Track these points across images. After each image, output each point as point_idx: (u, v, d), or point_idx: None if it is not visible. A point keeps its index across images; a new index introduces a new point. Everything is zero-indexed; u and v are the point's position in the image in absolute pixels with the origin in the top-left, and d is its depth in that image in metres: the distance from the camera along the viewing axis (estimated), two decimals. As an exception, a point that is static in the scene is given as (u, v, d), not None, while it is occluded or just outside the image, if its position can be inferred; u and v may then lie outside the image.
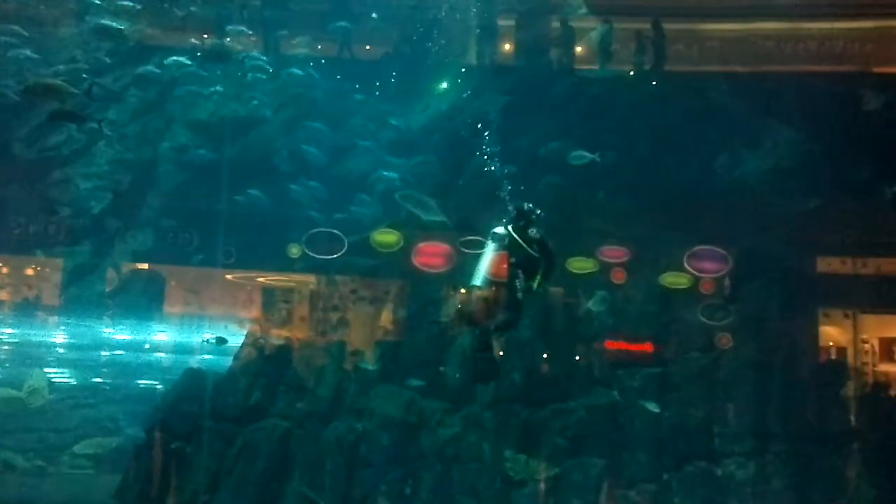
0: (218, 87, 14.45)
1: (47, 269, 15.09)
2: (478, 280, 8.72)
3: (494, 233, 8.86)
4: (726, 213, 12.83)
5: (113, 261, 14.76)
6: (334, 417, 12.20)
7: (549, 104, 14.09)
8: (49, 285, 14.85)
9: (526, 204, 9.11)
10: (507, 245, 8.74)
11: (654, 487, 11.63)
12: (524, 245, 8.65)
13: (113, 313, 14.33)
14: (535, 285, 8.61)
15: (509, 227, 8.86)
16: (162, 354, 14.63)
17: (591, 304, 12.52)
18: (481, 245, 12.86)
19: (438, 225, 13.01)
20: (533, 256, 8.77)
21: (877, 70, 13.93)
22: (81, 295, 14.40)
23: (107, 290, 14.59)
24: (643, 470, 11.76)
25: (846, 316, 13.30)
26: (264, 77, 14.39)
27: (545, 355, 12.58)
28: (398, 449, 11.81)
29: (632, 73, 14.71)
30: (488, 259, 8.78)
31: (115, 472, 11.87)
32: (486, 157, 13.81)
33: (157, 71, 14.33)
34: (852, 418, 12.05)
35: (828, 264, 13.02)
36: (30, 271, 15.21)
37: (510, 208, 9.42)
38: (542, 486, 11.50)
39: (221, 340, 12.64)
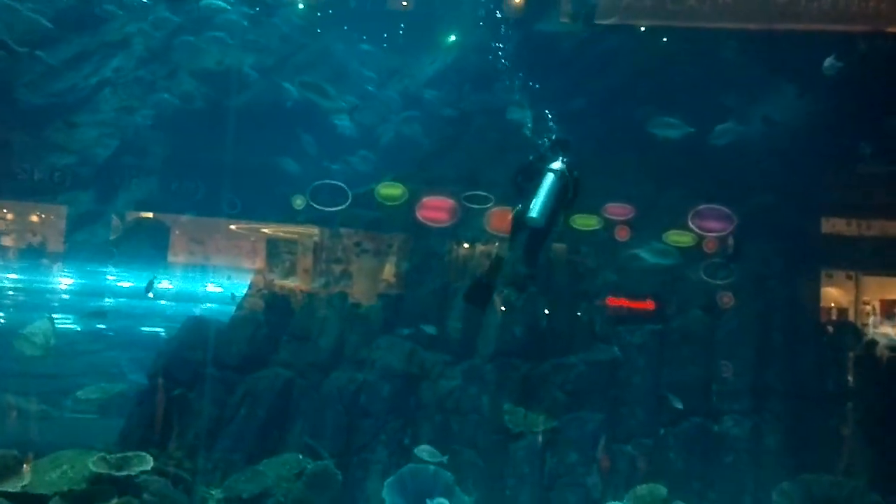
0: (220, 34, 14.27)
1: (52, 216, 15.12)
2: (535, 213, 8.72)
3: (552, 168, 8.88)
4: (732, 172, 12.76)
5: (117, 209, 14.79)
6: (336, 367, 12.33)
7: (557, 60, 13.93)
8: (53, 232, 14.89)
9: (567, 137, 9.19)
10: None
11: (650, 442, 11.73)
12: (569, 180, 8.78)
13: (118, 261, 14.40)
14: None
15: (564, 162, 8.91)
16: (165, 302, 14.74)
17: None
18: (485, 200, 13.06)
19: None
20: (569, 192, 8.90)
21: (891, 30, 13.69)
22: (85, 242, 14.45)
23: (111, 237, 14.64)
24: (640, 425, 11.86)
25: (848, 277, 13.30)
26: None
27: (547, 311, 12.62)
28: (398, 399, 11.94)
29: (643, 28, 14.50)
30: (549, 193, 8.79)
31: (118, 417, 11.99)
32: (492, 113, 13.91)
33: (165, 17, 14.22)
34: (850, 378, 12.10)
35: (832, 225, 12.98)
36: (34, 218, 15.24)
37: (549, 141, 9.42)
38: (540, 438, 11.61)
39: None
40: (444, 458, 11.24)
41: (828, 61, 11.49)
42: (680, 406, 11.65)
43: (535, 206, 8.76)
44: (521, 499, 11.42)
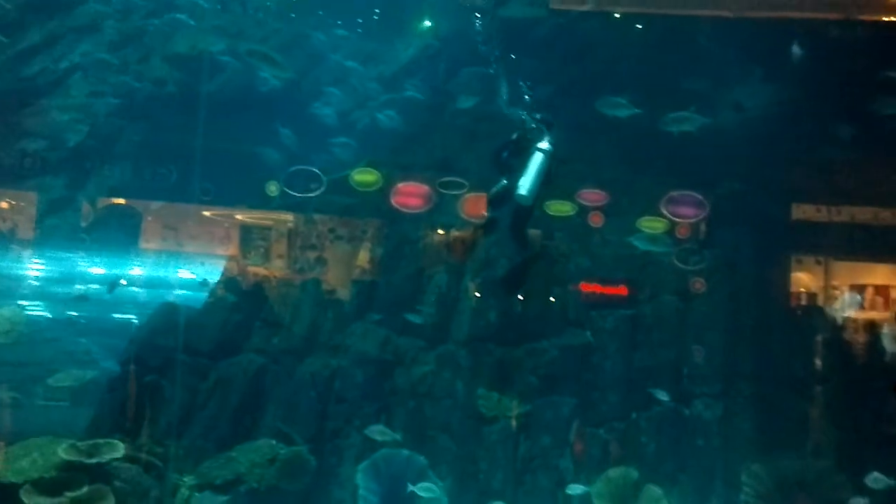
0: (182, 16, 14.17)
1: (22, 203, 14.94)
2: (525, 190, 8.78)
3: (541, 148, 8.93)
4: (704, 158, 12.82)
5: (88, 195, 14.64)
6: (309, 354, 12.33)
7: (532, 46, 13.92)
8: (24, 218, 14.72)
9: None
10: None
11: (622, 426, 11.84)
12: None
13: (89, 247, 14.28)
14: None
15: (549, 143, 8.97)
16: (137, 289, 14.64)
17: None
18: (459, 186, 13.06)
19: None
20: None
21: (865, 18, 13.80)
22: (56, 228, 14.31)
23: (82, 224, 14.49)
24: (613, 409, 11.97)
25: (818, 262, 13.43)
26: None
27: (520, 296, 12.66)
28: (372, 385, 11.96)
29: (617, 15, 14.53)
30: (538, 172, 8.85)
31: (89, 404, 11.91)
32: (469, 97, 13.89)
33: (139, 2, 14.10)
34: (819, 362, 12.26)
35: (802, 211, 13.09)
36: (4, 204, 15.05)
37: (535, 119, 9.45)
38: (514, 423, 11.68)
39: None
40: (398, 436, 11.27)
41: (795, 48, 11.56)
42: (665, 398, 11.70)
43: (525, 184, 8.86)
44: (494, 482, 11.49)
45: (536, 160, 9.03)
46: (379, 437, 11.24)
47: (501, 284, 11.55)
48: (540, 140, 9.26)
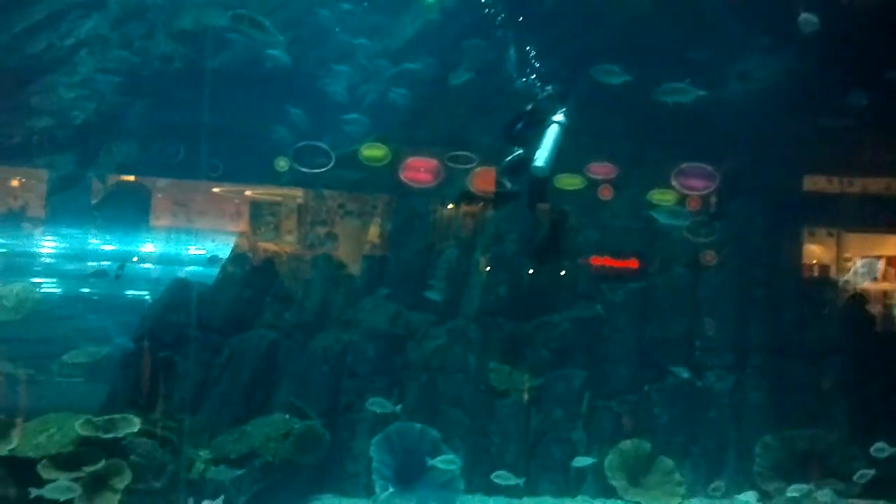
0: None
1: (32, 181, 14.95)
2: (543, 162, 8.80)
3: (556, 121, 8.94)
4: (715, 130, 12.75)
5: (98, 172, 14.64)
6: (321, 329, 12.36)
7: (538, 18, 13.80)
8: (34, 196, 14.73)
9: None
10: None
11: (634, 398, 11.89)
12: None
13: (99, 224, 14.30)
14: None
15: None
16: (149, 265, 14.68)
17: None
18: (469, 160, 13.02)
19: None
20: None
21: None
22: (67, 206, 14.32)
23: (92, 201, 14.50)
24: (624, 382, 12.02)
25: (830, 234, 13.41)
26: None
27: (530, 270, 12.66)
28: (384, 359, 12.00)
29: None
30: (555, 144, 8.88)
31: (104, 380, 11.98)
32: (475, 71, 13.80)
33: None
34: (831, 334, 12.26)
35: (814, 183, 13.04)
36: (14, 182, 15.06)
37: (546, 90, 9.43)
38: (526, 396, 11.72)
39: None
40: (398, 409, 11.31)
41: (803, 17, 11.36)
42: (686, 375, 11.69)
43: (543, 156, 8.87)
44: (506, 455, 11.57)
45: (552, 132, 9.04)
46: (378, 409, 11.27)
47: (536, 255, 11.58)
48: (554, 112, 9.25)
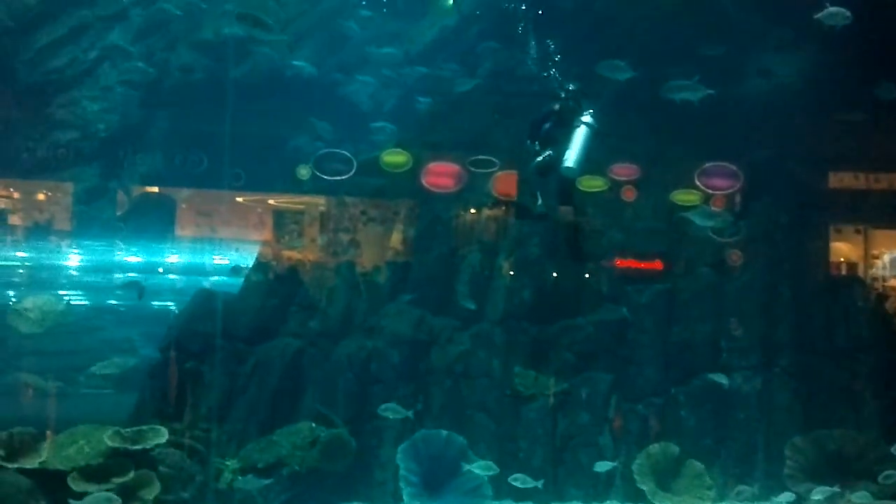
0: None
1: (58, 194, 15.11)
2: (573, 162, 8.86)
3: (586, 121, 8.98)
4: (738, 128, 12.65)
5: (122, 184, 14.77)
6: (345, 336, 12.37)
7: (555, 19, 13.75)
8: (60, 209, 14.89)
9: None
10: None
11: (661, 401, 11.80)
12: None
13: (125, 236, 14.43)
14: None
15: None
16: (174, 276, 14.79)
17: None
18: (490, 164, 13.00)
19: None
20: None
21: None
22: (92, 218, 14.46)
23: (118, 213, 14.64)
24: (651, 384, 11.92)
25: (857, 231, 13.24)
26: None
27: (554, 273, 12.62)
28: (408, 366, 11.98)
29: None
30: (585, 144, 8.93)
31: (131, 391, 12.08)
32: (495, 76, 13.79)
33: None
34: (860, 333, 12.10)
35: (840, 180, 12.88)
36: (41, 196, 15.23)
37: (568, 87, 9.45)
38: (552, 400, 11.68)
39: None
40: (409, 413, 11.28)
41: (833, 10, 11.15)
42: (724, 381, 11.57)
43: (572, 157, 8.90)
44: (534, 460, 11.51)
45: (581, 133, 9.07)
46: (392, 415, 11.24)
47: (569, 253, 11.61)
48: (581, 112, 9.27)
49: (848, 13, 10.71)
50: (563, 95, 9.79)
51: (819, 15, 10.62)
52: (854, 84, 12.34)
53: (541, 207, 10.10)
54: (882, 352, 11.86)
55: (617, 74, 11.80)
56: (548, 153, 9.38)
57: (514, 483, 10.74)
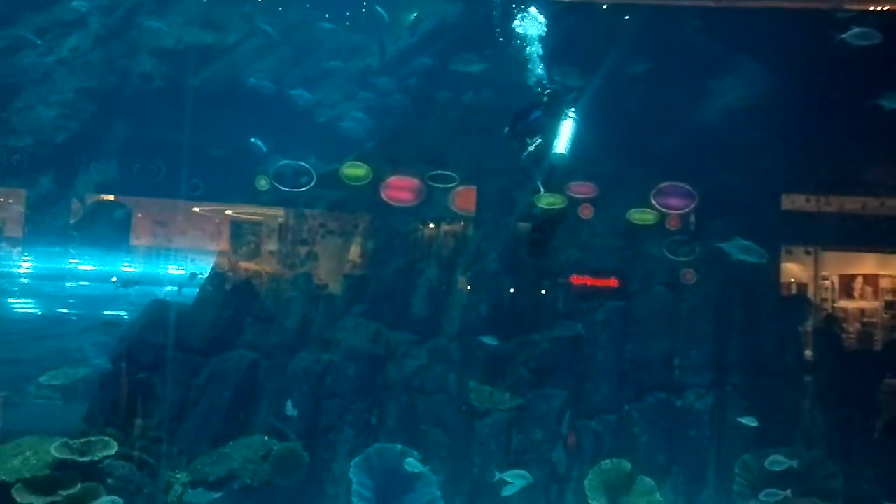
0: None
1: (10, 200, 14.87)
2: (565, 150, 8.97)
3: (572, 115, 9.10)
4: (693, 149, 12.85)
5: (77, 191, 14.58)
6: (301, 349, 12.31)
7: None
8: (12, 215, 14.65)
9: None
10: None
11: (614, 418, 11.87)
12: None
13: (78, 244, 14.23)
14: None
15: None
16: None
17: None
18: (450, 179, 13.05)
19: None
20: None
21: (850, 7, 13.79)
22: (46, 226, 14.25)
23: (72, 220, 14.44)
24: (605, 401, 11.99)
25: (808, 253, 13.49)
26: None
27: (511, 289, 12.68)
28: (364, 380, 11.94)
29: (605, 6, 14.50)
30: (573, 134, 9.05)
31: (81, 401, 11.89)
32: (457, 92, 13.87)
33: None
34: (809, 352, 12.32)
35: (791, 202, 13.13)
36: (-7, 201, 15.01)
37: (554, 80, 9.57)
38: (506, 416, 11.70)
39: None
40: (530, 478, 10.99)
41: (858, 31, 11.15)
42: (754, 424, 11.40)
43: (563, 145, 9.05)
44: (487, 475, 11.49)
45: (569, 124, 9.23)
46: (410, 468, 11.08)
47: (530, 239, 11.69)
48: (569, 106, 9.43)
49: (879, 34, 10.88)
50: (548, 86, 9.89)
51: (846, 35, 10.79)
52: (806, 110, 12.63)
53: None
54: (831, 371, 12.06)
55: (569, 80, 11.93)
56: (538, 141, 9.52)
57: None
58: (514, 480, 10.80)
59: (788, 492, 10.75)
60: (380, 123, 14.09)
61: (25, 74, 14.53)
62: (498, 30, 10.42)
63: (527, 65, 10.01)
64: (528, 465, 11.42)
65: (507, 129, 10.04)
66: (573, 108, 9.60)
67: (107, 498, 9.24)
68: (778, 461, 10.91)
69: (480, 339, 11.85)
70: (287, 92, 13.64)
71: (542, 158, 9.52)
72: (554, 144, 9.35)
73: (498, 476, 10.85)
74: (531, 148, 9.57)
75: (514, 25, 10.15)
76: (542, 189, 10.26)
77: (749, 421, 11.29)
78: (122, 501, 9.28)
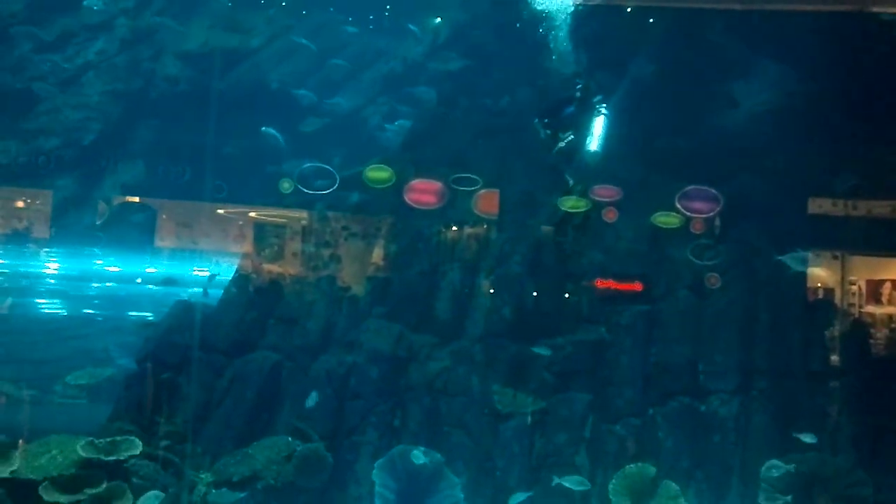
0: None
1: (37, 201, 15.01)
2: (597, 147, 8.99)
3: (605, 113, 9.12)
4: (719, 152, 12.78)
5: (103, 193, 14.70)
6: (324, 350, 12.33)
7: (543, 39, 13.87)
8: (39, 217, 14.79)
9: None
10: None
11: (638, 422, 11.80)
12: None
13: (103, 245, 14.34)
14: None
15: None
16: (153, 287, 14.71)
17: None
18: (473, 182, 13.06)
19: None
20: None
21: (877, 10, 13.69)
22: (72, 227, 14.37)
23: (97, 222, 14.56)
24: (629, 405, 11.92)
25: (835, 257, 13.35)
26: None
27: (534, 292, 12.64)
28: (387, 382, 11.94)
29: (630, 9, 14.46)
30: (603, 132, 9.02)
31: (107, 401, 11.96)
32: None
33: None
34: (836, 357, 12.19)
35: (818, 206, 13.00)
36: (20, 203, 15.12)
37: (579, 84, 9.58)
38: (529, 419, 11.66)
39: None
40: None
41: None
42: (812, 440, 11.34)
43: (596, 142, 9.08)
44: (510, 479, 11.47)
45: (600, 121, 9.21)
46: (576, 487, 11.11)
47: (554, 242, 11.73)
48: (599, 102, 9.42)
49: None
50: (581, 83, 9.87)
51: None
52: (834, 112, 12.54)
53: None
54: (857, 376, 11.92)
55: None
56: (570, 137, 9.48)
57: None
58: (575, 486, 10.86)
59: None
60: (403, 128, 14.15)
61: (53, 77, 14.66)
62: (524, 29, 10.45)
63: (557, 59, 10.01)
64: (551, 469, 11.40)
65: (535, 119, 9.97)
66: (605, 105, 9.54)
67: (151, 493, 9.28)
68: (776, 466, 10.85)
69: (534, 350, 11.82)
70: (325, 102, 13.71)
71: (574, 155, 9.46)
72: (588, 141, 9.27)
73: (556, 481, 10.83)
74: (562, 144, 9.50)
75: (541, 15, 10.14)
76: (571, 183, 10.20)
77: (808, 438, 11.20)
78: (163, 496, 9.29)
